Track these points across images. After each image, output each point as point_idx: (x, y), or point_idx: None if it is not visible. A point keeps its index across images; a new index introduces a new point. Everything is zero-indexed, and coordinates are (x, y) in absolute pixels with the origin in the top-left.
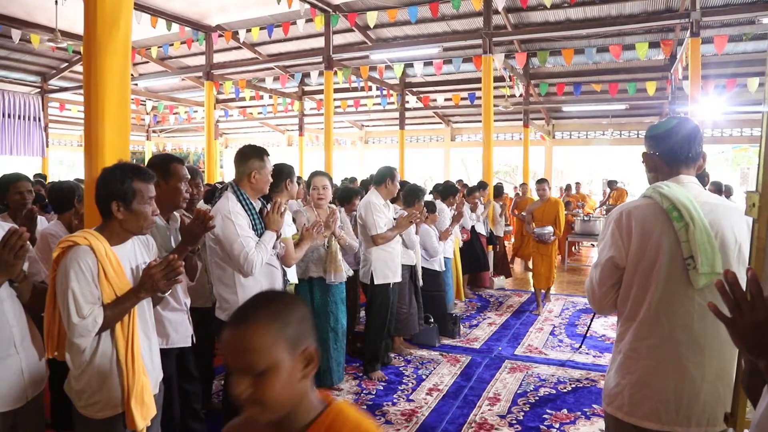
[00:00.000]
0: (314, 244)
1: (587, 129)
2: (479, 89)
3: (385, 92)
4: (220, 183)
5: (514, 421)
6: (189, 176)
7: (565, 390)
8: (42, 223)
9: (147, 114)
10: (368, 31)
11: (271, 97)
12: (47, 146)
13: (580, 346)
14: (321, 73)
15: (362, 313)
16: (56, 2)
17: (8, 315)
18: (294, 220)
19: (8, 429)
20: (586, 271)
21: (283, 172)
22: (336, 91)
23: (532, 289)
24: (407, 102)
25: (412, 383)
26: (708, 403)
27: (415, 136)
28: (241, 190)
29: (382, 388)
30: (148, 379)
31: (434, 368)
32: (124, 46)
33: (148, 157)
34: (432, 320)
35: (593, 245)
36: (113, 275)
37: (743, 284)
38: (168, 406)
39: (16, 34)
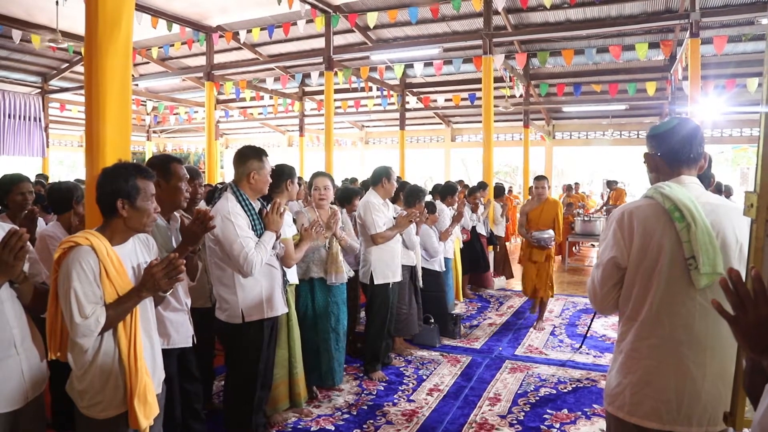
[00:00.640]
0: (315, 245)
1: (587, 129)
2: (479, 90)
3: (385, 93)
4: (221, 183)
5: (515, 421)
6: (189, 176)
7: (565, 390)
8: (41, 224)
9: (147, 114)
10: (369, 31)
11: (271, 97)
12: (47, 146)
13: (581, 346)
14: (321, 74)
15: (362, 314)
16: (57, 2)
17: (9, 316)
18: (294, 221)
19: (9, 430)
20: (587, 271)
21: (284, 173)
22: (336, 91)
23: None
24: (407, 102)
25: (413, 383)
26: (709, 403)
27: (415, 136)
28: (241, 191)
29: (382, 388)
30: (150, 378)
31: (435, 368)
32: (126, 47)
33: (148, 157)
34: (432, 320)
35: (593, 245)
36: (115, 275)
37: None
38: (169, 406)
39: (16, 34)
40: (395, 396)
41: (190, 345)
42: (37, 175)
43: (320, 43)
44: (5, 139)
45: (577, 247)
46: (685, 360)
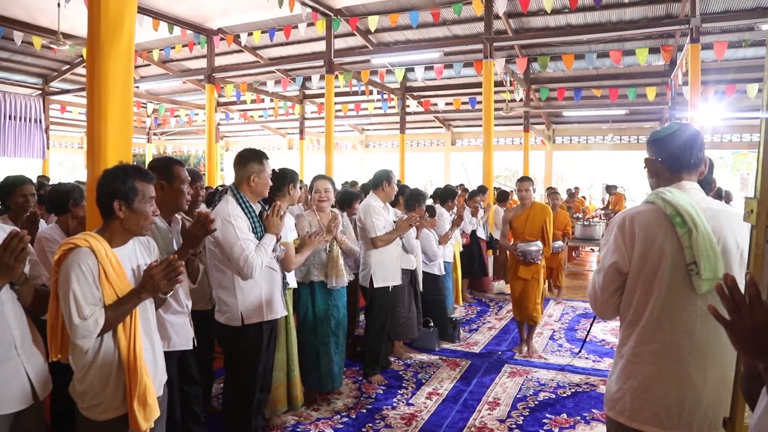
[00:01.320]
0: (316, 248)
1: (587, 134)
2: (480, 94)
3: (385, 96)
4: (221, 186)
5: (514, 426)
6: (190, 179)
7: (564, 395)
8: (42, 225)
9: (148, 116)
10: (369, 35)
11: (272, 100)
12: (48, 148)
13: (580, 351)
14: (322, 77)
15: (362, 317)
16: (58, 4)
17: (9, 318)
18: (296, 224)
19: (8, 431)
20: (586, 276)
21: (287, 177)
22: (337, 94)
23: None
24: (408, 106)
25: (412, 387)
26: (710, 408)
27: (415, 140)
28: (241, 194)
29: (381, 391)
30: (150, 380)
31: (434, 372)
32: (128, 49)
33: (149, 159)
34: (432, 324)
35: (593, 250)
36: (114, 276)
37: (744, 288)
38: (169, 408)
39: (18, 36)
40: (394, 399)
41: (191, 348)
42: (39, 177)
43: (321, 46)
44: (6, 140)
45: (576, 252)
46: (686, 365)
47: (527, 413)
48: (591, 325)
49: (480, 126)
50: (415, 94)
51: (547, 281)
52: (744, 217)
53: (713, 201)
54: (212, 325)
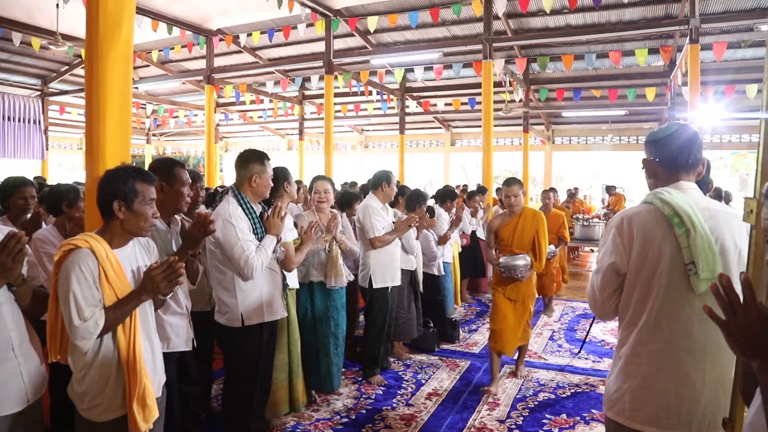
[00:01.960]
0: (315, 249)
1: (587, 134)
2: (479, 94)
3: (385, 97)
4: (221, 187)
5: (513, 426)
6: (191, 180)
7: (564, 395)
8: (43, 226)
9: (147, 117)
10: (369, 35)
11: (271, 101)
12: (47, 149)
13: (579, 351)
14: (321, 78)
15: (361, 318)
16: (57, 5)
17: (6, 319)
18: (295, 224)
19: None
20: (586, 276)
21: (279, 176)
22: (336, 95)
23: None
24: (407, 107)
25: (412, 388)
26: (709, 408)
27: (415, 140)
28: (242, 194)
29: (381, 392)
30: (150, 381)
31: (433, 373)
32: (126, 50)
33: (148, 160)
34: (431, 325)
35: (593, 250)
36: (114, 278)
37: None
38: (168, 409)
39: (16, 37)
40: (394, 400)
41: (190, 349)
42: (36, 177)
43: (320, 46)
44: (5, 141)
45: (576, 253)
46: (685, 365)
47: (527, 414)
48: (590, 325)
49: (479, 126)
50: (414, 94)
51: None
52: (744, 217)
53: (711, 201)
54: (212, 326)
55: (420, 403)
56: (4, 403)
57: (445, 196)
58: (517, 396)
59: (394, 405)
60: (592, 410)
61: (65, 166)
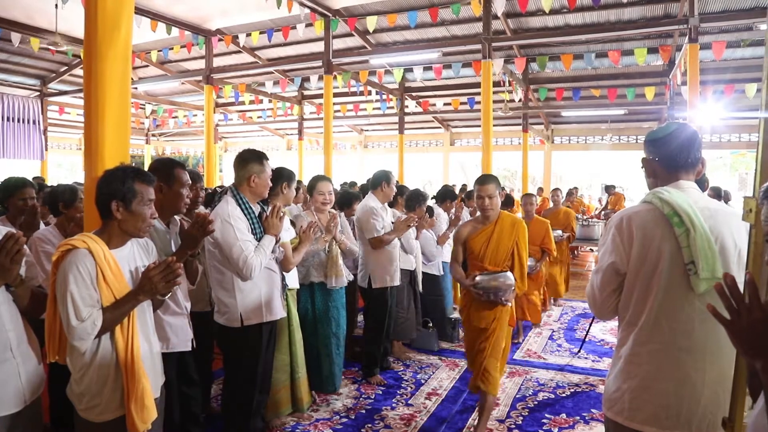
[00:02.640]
0: (315, 249)
1: (586, 134)
2: (478, 94)
3: (384, 97)
4: (220, 187)
5: (513, 426)
6: (191, 181)
7: (563, 395)
8: (42, 226)
9: (146, 118)
10: (368, 35)
11: (270, 101)
12: (46, 149)
13: (579, 351)
14: (320, 78)
15: (360, 318)
16: (56, 6)
17: (4, 319)
18: (292, 223)
19: None
20: (585, 276)
21: (282, 176)
22: (335, 95)
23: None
24: (407, 106)
25: (411, 388)
26: (708, 408)
27: (414, 140)
28: (241, 194)
29: (380, 392)
30: (148, 382)
31: (433, 372)
32: (125, 50)
33: (147, 160)
34: (431, 324)
35: (592, 250)
36: (112, 278)
37: (742, 288)
38: (168, 410)
39: (16, 37)
40: (393, 400)
41: (190, 349)
42: (35, 178)
43: (319, 46)
44: (4, 142)
45: (576, 252)
46: (685, 365)
47: (526, 413)
48: (590, 324)
49: (479, 126)
50: (413, 94)
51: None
52: (743, 216)
53: (711, 200)
54: (211, 326)
55: (419, 402)
56: (2, 403)
57: (445, 196)
58: (517, 396)
59: (394, 405)
60: (592, 410)
61: (64, 166)
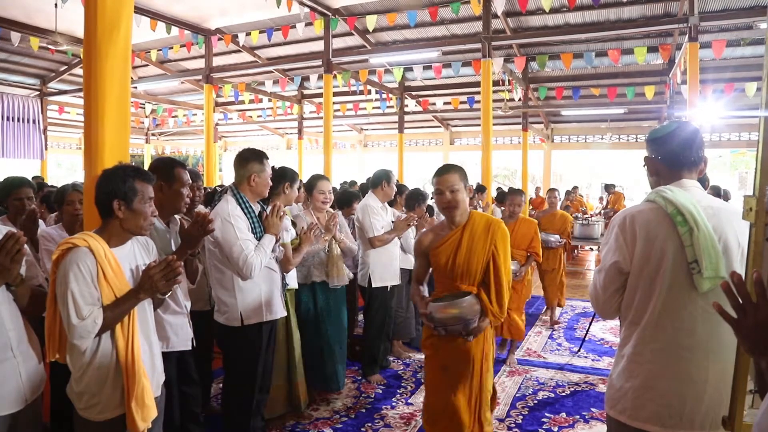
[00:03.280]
0: (315, 249)
1: (586, 133)
2: (478, 93)
3: (384, 96)
4: (220, 186)
5: (513, 425)
6: (191, 181)
7: (563, 394)
8: (41, 225)
9: (146, 117)
10: (368, 34)
11: (270, 100)
12: (46, 149)
13: (579, 350)
14: (320, 77)
15: (360, 317)
16: (56, 5)
17: (5, 319)
18: (294, 224)
19: None
20: (585, 275)
21: (285, 176)
22: (335, 94)
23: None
24: (406, 106)
25: (411, 386)
26: (711, 407)
27: (414, 139)
28: (241, 194)
29: (380, 391)
30: (148, 381)
31: None
32: (125, 50)
33: (147, 160)
34: None
35: (592, 249)
36: (112, 276)
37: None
38: (168, 409)
39: (15, 36)
40: (393, 399)
41: (190, 348)
42: (34, 177)
43: (319, 46)
44: (4, 141)
45: (576, 251)
46: (687, 364)
47: (526, 412)
48: (590, 323)
49: (478, 125)
50: (413, 93)
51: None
52: (743, 215)
53: (714, 199)
54: (211, 325)
55: (420, 401)
56: (3, 402)
57: None
58: (517, 395)
59: (394, 404)
60: (592, 409)
61: (64, 165)
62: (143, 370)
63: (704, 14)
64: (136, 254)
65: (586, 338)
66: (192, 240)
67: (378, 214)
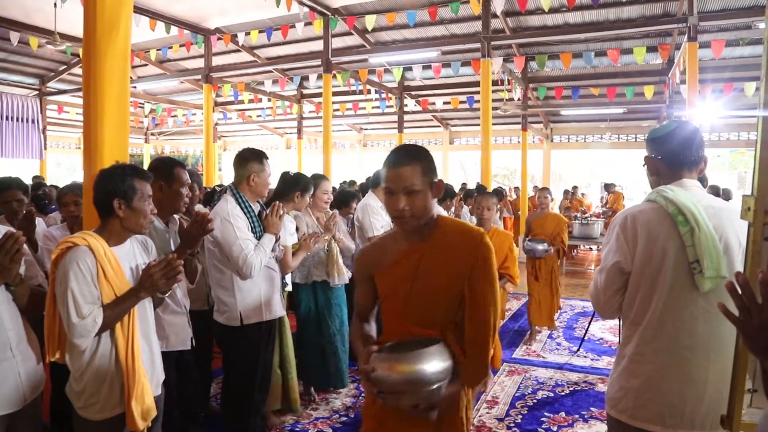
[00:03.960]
0: (316, 249)
1: (585, 133)
2: (478, 93)
3: (383, 95)
4: (219, 186)
5: (512, 425)
6: (190, 181)
7: (563, 393)
8: (39, 224)
9: (145, 117)
10: (367, 34)
11: (269, 100)
12: (45, 149)
13: (578, 349)
14: (320, 77)
15: None
16: (55, 4)
17: (4, 319)
18: (297, 230)
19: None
20: (585, 275)
21: (298, 183)
22: (335, 94)
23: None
24: (406, 105)
25: None
26: (712, 407)
27: (413, 139)
28: (240, 193)
29: None
30: (148, 380)
31: None
32: (124, 49)
33: (146, 159)
34: None
35: (591, 249)
36: (112, 275)
37: None
38: (167, 408)
39: (14, 36)
40: None
41: (189, 348)
42: (34, 177)
43: (318, 45)
44: (3, 141)
45: (576, 251)
46: (689, 364)
47: (526, 412)
48: (589, 323)
49: (478, 125)
50: (413, 93)
51: None
52: (741, 214)
53: (715, 199)
54: (210, 325)
55: None
56: (2, 402)
57: (445, 194)
58: (516, 394)
59: None
60: (591, 408)
61: (64, 165)
62: (143, 369)
63: (703, 14)
64: (135, 253)
65: (586, 338)
66: (191, 239)
67: (378, 214)
